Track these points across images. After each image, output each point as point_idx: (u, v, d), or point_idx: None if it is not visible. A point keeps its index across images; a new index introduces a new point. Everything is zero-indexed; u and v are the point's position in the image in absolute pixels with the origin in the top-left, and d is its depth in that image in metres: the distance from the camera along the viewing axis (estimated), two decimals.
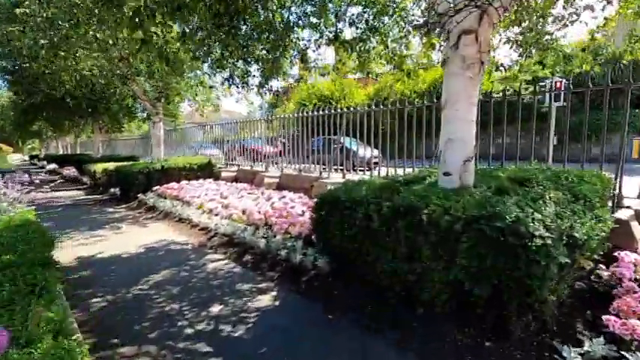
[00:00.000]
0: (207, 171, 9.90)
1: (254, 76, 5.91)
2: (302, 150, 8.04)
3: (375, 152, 7.68)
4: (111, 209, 8.04)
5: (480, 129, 3.66)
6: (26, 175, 7.23)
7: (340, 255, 3.45)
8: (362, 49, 5.53)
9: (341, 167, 7.33)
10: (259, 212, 5.75)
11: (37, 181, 8.10)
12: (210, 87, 8.90)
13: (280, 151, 9.15)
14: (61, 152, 30.61)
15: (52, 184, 13.12)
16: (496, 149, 10.02)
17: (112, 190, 10.38)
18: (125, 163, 11.18)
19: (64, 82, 9.18)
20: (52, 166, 25.50)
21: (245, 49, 5.13)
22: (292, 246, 4.27)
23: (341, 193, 3.37)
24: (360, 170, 7.67)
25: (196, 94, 9.15)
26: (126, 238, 5.56)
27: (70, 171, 17.37)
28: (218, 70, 5.98)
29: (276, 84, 6.25)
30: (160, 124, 9.49)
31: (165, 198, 7.94)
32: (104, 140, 24.89)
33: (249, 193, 7.53)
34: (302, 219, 4.97)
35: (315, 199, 3.90)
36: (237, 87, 6.05)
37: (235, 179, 9.88)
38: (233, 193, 7.62)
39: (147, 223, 6.59)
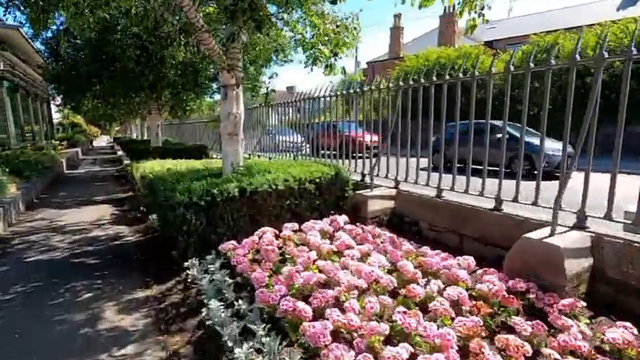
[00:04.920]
0: (333, 196, 4.52)
1: None
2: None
3: (569, 149, 3.79)
4: (112, 313, 3.03)
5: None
6: None
7: None
8: None
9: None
10: None
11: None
12: None
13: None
14: (134, 136, 28.44)
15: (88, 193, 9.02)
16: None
17: (153, 217, 5.64)
18: (178, 165, 6.40)
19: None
20: (121, 152, 22.92)
21: None
22: None
23: None
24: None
25: (324, 22, 3.74)
26: None
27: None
28: None
29: None
30: (237, 94, 4.31)
31: (251, 296, 2.71)
32: (171, 124, 21.35)
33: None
34: None
35: None
36: None
37: (395, 219, 4.36)
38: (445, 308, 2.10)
39: None
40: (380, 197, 4.46)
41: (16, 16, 6.16)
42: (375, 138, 5.40)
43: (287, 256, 3.44)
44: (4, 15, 6.20)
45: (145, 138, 20.53)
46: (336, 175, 4.50)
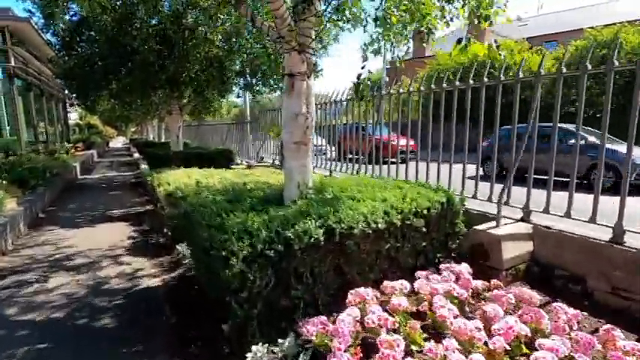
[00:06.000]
0: (440, 233, 3.16)
1: None
2: None
3: None
4: None
5: None
6: None
7: None
8: None
9: None
10: None
11: None
12: None
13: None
14: (150, 138, 27.59)
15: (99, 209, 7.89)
16: None
17: (181, 248, 4.38)
18: (208, 176, 5.22)
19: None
20: (137, 155, 21.98)
21: None
22: None
23: None
24: None
25: None
26: None
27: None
28: None
29: None
30: (308, 86, 3.03)
31: None
32: (189, 126, 20.27)
33: None
34: None
35: None
36: None
37: (536, 269, 2.87)
38: None
39: None
40: (513, 237, 3.08)
41: None
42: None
43: (413, 347, 2.12)
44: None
45: (163, 140, 19.51)
46: (447, 204, 3.14)
